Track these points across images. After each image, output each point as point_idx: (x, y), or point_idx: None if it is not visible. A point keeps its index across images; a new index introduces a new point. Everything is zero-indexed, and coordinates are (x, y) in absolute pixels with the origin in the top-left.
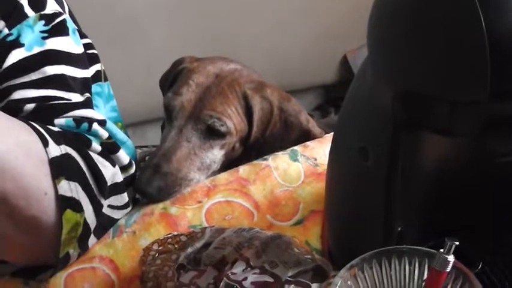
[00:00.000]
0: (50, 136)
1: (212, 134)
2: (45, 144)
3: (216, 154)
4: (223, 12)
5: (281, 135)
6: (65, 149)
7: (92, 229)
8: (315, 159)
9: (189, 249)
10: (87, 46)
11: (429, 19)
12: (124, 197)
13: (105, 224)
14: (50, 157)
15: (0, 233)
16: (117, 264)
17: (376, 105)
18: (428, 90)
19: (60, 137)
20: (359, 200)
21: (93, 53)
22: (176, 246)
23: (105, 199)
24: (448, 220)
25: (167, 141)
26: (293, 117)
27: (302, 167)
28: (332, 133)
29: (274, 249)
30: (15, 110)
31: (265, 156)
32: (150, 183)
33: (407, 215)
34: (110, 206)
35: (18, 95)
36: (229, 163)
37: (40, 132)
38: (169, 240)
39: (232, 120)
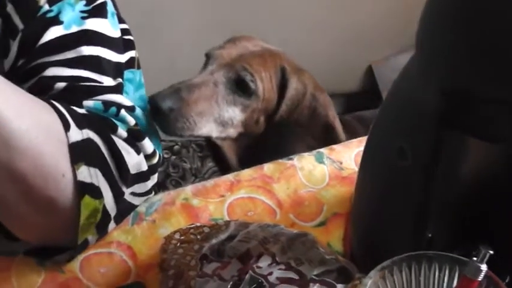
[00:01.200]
0: (72, 119)
1: (239, 89)
2: (67, 127)
3: (236, 113)
4: (250, 10)
5: (306, 123)
6: (87, 133)
7: (112, 216)
8: (341, 163)
9: (213, 241)
10: (124, 31)
11: (482, 17)
12: (147, 185)
13: (125, 210)
14: (71, 141)
15: (15, 211)
16: (134, 251)
17: (420, 104)
18: (477, 88)
19: (83, 121)
20: (391, 201)
21: (129, 39)
22: (199, 237)
23: (128, 187)
24: (480, 228)
25: (196, 77)
26: (322, 108)
27: (327, 170)
28: (357, 139)
29: (300, 247)
30: (46, 86)
31: (291, 156)
32: (165, 99)
33: (439, 220)
34: (132, 193)
35: (51, 72)
36: (248, 149)
37: (62, 114)
38: (192, 230)
39: (263, 82)
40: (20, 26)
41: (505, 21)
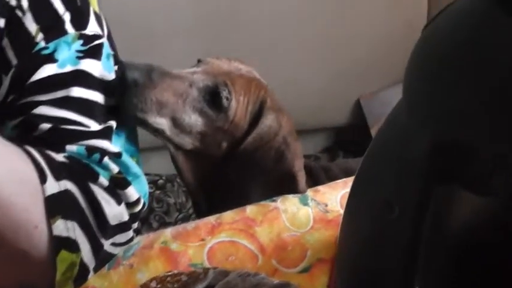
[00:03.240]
0: (50, 169)
1: (212, 101)
2: (43, 179)
3: (198, 123)
4: (240, 40)
5: (267, 165)
6: (64, 185)
7: (91, 268)
8: (326, 205)
9: None
10: None
11: (478, 64)
12: (129, 234)
13: (105, 260)
14: (47, 194)
15: None
16: None
17: (409, 154)
18: (470, 140)
19: (62, 171)
20: (376, 254)
21: None
22: (176, 285)
23: (108, 239)
24: (469, 282)
25: (176, 70)
26: (290, 155)
27: (312, 212)
28: (342, 180)
29: None
30: (31, 126)
31: (274, 198)
32: (134, 71)
33: (428, 272)
34: (113, 244)
35: (38, 111)
36: (207, 172)
37: (39, 164)
38: (169, 278)
39: (238, 105)
40: (14, 61)
41: (504, 71)
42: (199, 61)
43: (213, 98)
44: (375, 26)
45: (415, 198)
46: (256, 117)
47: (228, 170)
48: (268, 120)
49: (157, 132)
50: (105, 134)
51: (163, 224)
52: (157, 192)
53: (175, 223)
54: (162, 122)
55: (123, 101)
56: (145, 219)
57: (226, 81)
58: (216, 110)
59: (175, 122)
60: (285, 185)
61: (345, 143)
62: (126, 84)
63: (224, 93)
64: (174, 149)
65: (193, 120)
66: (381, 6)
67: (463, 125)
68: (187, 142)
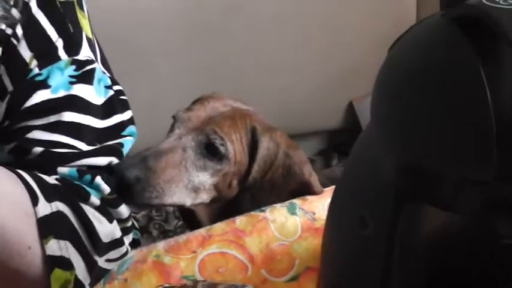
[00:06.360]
0: (41, 192)
1: (210, 153)
2: (35, 201)
3: (206, 179)
4: (230, 51)
5: (280, 183)
6: (56, 206)
7: (86, 284)
8: (313, 214)
9: None
10: (119, 92)
11: (435, 93)
12: (122, 250)
13: (99, 275)
14: (39, 216)
15: None
16: None
17: (379, 173)
18: (432, 165)
19: (53, 192)
20: (355, 267)
21: (125, 99)
22: None
23: (101, 256)
24: None
25: (163, 143)
26: (297, 166)
27: (300, 221)
28: (330, 187)
29: None
30: (24, 150)
31: (263, 208)
32: (131, 169)
33: None
34: (107, 260)
35: (32, 135)
36: (221, 214)
37: (30, 186)
38: None
39: (234, 145)
40: (10, 87)
41: (460, 102)
42: (174, 119)
43: (209, 150)
44: (365, 29)
45: (387, 215)
46: (253, 146)
47: (243, 206)
48: (265, 143)
49: (176, 206)
50: (95, 154)
51: (163, 232)
52: None
53: (174, 230)
54: (178, 197)
55: (134, 200)
56: (145, 228)
57: (214, 129)
58: (217, 160)
59: (188, 188)
60: (302, 194)
61: (339, 145)
62: (130, 184)
63: (217, 142)
64: (193, 207)
65: (202, 177)
66: (370, 9)
67: (426, 150)
68: (206, 198)
